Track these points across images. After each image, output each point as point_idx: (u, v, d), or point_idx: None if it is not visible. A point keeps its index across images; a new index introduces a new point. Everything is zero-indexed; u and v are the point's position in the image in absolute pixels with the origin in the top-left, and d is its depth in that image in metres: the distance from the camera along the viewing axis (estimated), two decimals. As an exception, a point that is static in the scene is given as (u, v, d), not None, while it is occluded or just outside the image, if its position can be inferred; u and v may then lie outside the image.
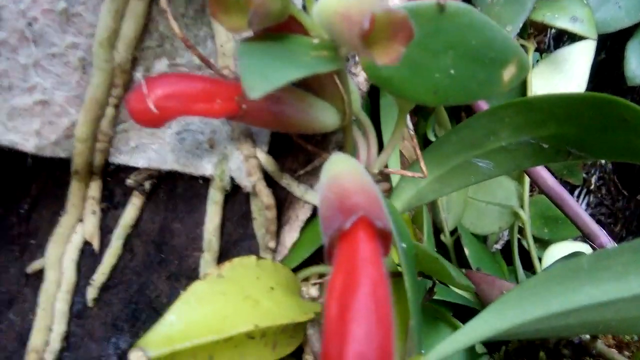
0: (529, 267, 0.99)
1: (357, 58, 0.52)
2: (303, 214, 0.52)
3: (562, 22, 0.74)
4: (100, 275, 0.50)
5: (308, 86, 0.47)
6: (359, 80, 0.53)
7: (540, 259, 0.89)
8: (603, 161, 1.09)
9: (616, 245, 0.66)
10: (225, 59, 0.48)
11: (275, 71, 0.32)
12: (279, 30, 0.42)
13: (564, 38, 0.98)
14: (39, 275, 0.50)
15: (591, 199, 1.10)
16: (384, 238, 0.35)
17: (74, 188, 0.49)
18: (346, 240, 0.34)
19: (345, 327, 0.30)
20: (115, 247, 0.50)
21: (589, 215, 1.09)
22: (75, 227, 0.50)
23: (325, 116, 0.46)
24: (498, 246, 1.04)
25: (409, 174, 0.54)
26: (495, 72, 0.44)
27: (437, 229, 0.92)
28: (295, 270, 0.52)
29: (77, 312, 0.50)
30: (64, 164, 0.48)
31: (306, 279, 0.54)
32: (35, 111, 0.45)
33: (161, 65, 0.47)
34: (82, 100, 0.45)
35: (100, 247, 0.50)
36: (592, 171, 1.09)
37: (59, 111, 0.45)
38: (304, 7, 0.43)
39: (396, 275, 0.47)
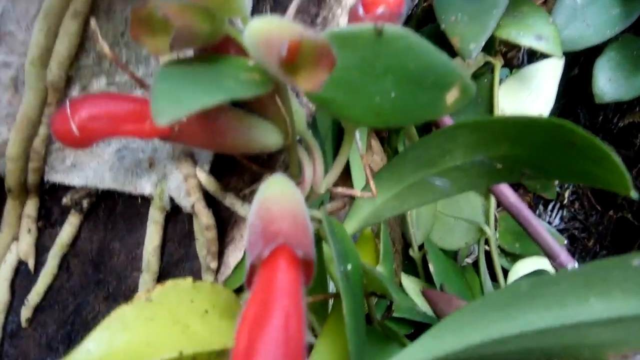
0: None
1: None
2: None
3: (526, 40, 0.73)
4: (35, 295, 0.49)
5: (250, 106, 0.46)
6: (303, 99, 0.52)
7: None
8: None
9: (576, 264, 0.66)
10: (167, 75, 0.47)
11: (190, 96, 0.31)
12: (218, 49, 0.42)
13: (538, 54, 0.98)
14: (-27, 295, 0.48)
15: (564, 213, 1.09)
16: (307, 267, 0.34)
17: (9, 206, 0.47)
18: (264, 268, 0.33)
19: (250, 361, 0.29)
20: (51, 267, 0.49)
21: (559, 230, 1.08)
22: (10, 246, 0.48)
23: (266, 137, 0.45)
24: (469, 260, 1.03)
25: (358, 193, 0.53)
26: (437, 95, 0.43)
27: (407, 244, 0.92)
28: (239, 291, 0.51)
29: (11, 332, 0.49)
30: (-1, 182, 0.47)
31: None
32: (-34, 128, 0.44)
33: (100, 84, 0.46)
34: (14, 119, 0.44)
35: (35, 267, 0.49)
36: (566, 185, 1.09)
37: (-12, 129, 0.44)
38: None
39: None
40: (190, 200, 0.47)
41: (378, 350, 0.59)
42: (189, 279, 0.46)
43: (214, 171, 0.49)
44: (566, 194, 1.09)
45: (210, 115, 0.42)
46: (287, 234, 0.34)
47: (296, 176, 0.49)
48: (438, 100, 0.44)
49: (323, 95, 0.44)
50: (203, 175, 0.47)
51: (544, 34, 0.74)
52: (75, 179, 0.47)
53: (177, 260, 0.50)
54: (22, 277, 0.49)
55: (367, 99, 0.43)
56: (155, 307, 0.42)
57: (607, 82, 0.82)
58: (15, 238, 0.48)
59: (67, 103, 0.38)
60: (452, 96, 0.45)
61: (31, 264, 0.49)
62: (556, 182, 1.06)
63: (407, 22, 0.93)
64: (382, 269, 0.66)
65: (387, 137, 0.96)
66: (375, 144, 0.92)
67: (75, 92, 0.46)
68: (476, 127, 0.53)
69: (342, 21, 0.53)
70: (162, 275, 0.50)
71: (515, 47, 0.97)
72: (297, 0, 0.44)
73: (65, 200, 0.48)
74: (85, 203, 0.48)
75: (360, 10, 0.42)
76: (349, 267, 0.46)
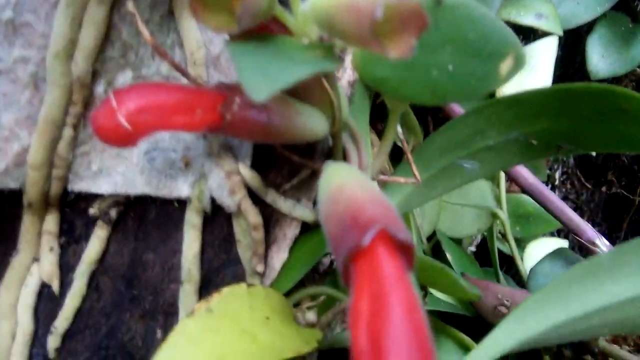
0: (506, 269, 0.98)
1: (342, 59, 0.49)
2: (291, 232, 0.47)
3: (527, 19, 0.73)
4: (63, 320, 0.43)
5: (293, 92, 0.42)
6: (342, 83, 0.49)
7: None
8: (565, 157, 1.10)
9: (604, 239, 0.65)
10: (196, 68, 0.43)
11: (278, 71, 0.28)
12: (259, 32, 0.38)
13: (530, 36, 0.98)
14: (-10, 327, 0.42)
15: (556, 193, 1.10)
16: (405, 253, 0.31)
17: (27, 223, 0.42)
18: (365, 258, 0.30)
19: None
20: (79, 287, 0.43)
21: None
22: (31, 267, 0.43)
23: (314, 123, 0.42)
24: (472, 248, 1.03)
25: (403, 180, 0.51)
26: (494, 66, 0.41)
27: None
28: (286, 294, 0.47)
29: (39, 366, 0.43)
30: (13, 197, 0.41)
31: (297, 303, 0.49)
32: (-23, 136, 0.38)
33: (125, 78, 0.42)
34: (35, 122, 0.39)
35: (61, 289, 0.44)
36: (555, 167, 1.10)
37: (7, 135, 0.39)
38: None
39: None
40: (236, 199, 0.43)
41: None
42: (243, 285, 0.42)
43: (253, 166, 0.45)
44: (556, 175, 1.10)
45: (260, 102, 0.39)
46: (383, 219, 0.31)
47: (341, 165, 0.46)
48: (494, 71, 0.42)
49: (377, 73, 0.42)
50: (246, 171, 0.43)
51: (544, 13, 0.74)
52: (103, 186, 0.42)
53: (218, 267, 0.46)
54: (46, 302, 0.44)
55: (424, 74, 0.41)
56: (218, 317, 0.38)
57: (600, 59, 0.83)
58: (36, 258, 0.43)
59: (112, 95, 0.34)
60: (506, 66, 0.43)
61: (56, 286, 0.43)
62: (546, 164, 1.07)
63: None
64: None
65: (382, 130, 0.94)
66: (374, 137, 0.89)
67: (100, 88, 0.41)
68: (514, 101, 0.51)
69: None
70: (203, 285, 0.46)
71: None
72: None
73: (93, 210, 0.43)
74: (113, 213, 0.44)
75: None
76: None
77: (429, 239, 0.87)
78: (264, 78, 0.26)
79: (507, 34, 0.41)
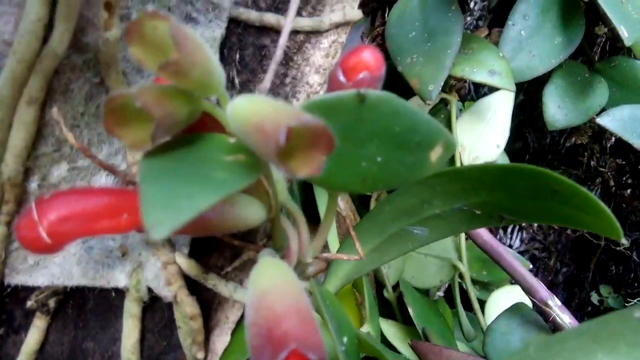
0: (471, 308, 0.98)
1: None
2: (233, 314, 0.47)
3: (480, 76, 0.74)
4: (2, 414, 0.43)
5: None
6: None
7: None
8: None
9: (556, 299, 0.66)
10: (135, 154, 0.44)
11: (184, 200, 0.28)
12: (192, 129, 0.39)
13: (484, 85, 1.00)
14: None
15: (524, 235, 1.11)
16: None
17: (-37, 317, 0.42)
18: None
19: None
20: (18, 379, 0.44)
21: (520, 252, 1.10)
22: (-32, 361, 0.43)
23: (250, 213, 0.43)
24: (440, 293, 1.03)
25: (345, 257, 0.51)
26: (423, 155, 0.42)
27: (380, 284, 0.90)
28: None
29: None
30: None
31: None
32: None
33: (60, 171, 0.42)
34: (-35, 221, 0.39)
35: (-1, 381, 0.44)
36: (522, 208, 1.11)
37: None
38: (218, 102, 0.40)
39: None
40: (172, 290, 0.43)
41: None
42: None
43: (192, 252, 0.45)
44: (524, 216, 1.11)
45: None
46: (297, 335, 0.31)
47: (280, 247, 0.47)
48: (423, 160, 0.43)
49: (307, 166, 0.42)
50: (183, 260, 0.44)
51: (497, 69, 0.76)
52: (39, 279, 0.42)
53: (158, 354, 0.46)
54: (-17, 395, 0.44)
55: (353, 165, 0.42)
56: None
57: (557, 110, 0.85)
58: (-27, 351, 0.43)
59: (33, 206, 0.34)
60: (436, 153, 0.44)
61: (-7, 378, 0.43)
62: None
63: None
64: (370, 327, 0.64)
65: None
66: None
67: (34, 184, 0.41)
68: (455, 175, 0.52)
69: (311, 79, 0.51)
70: (144, 371, 0.46)
71: (463, 79, 0.99)
72: (272, 71, 0.42)
73: (30, 303, 0.43)
74: (52, 303, 0.44)
75: (341, 76, 0.40)
76: (345, 340, 0.44)
77: (395, 287, 0.88)
78: (164, 213, 0.27)
79: (433, 125, 0.41)
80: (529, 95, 1.03)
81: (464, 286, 0.90)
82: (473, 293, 0.80)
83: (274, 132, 0.29)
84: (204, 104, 0.36)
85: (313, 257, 0.48)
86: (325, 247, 0.61)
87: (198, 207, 0.28)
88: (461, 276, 0.86)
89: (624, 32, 0.72)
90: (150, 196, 0.28)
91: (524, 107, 1.04)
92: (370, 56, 0.40)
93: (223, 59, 0.48)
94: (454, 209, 0.55)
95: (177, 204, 0.28)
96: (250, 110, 0.32)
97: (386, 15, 0.88)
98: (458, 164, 0.82)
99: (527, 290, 0.67)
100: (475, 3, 1.08)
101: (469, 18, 1.09)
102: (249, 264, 0.48)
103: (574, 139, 1.03)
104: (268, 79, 0.41)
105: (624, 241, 0.42)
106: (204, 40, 0.47)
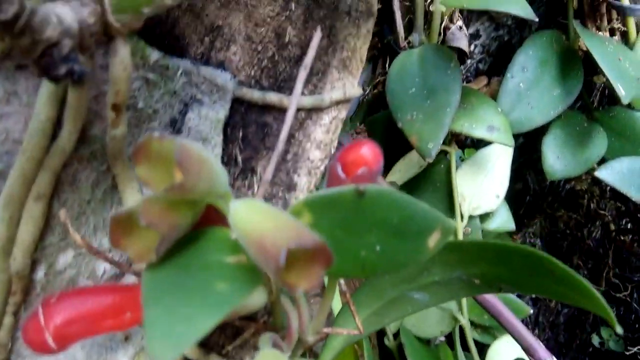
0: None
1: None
2: (234, 392, 0.48)
3: (479, 132, 0.76)
4: None
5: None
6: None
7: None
8: (532, 239, 1.12)
9: (555, 358, 0.67)
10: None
11: (184, 322, 0.29)
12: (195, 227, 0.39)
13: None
14: None
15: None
16: None
17: (-30, 401, 0.43)
18: None
19: None
20: None
21: (519, 295, 1.10)
22: None
23: (252, 299, 0.44)
24: (442, 338, 1.04)
25: (344, 331, 0.52)
26: (421, 242, 0.43)
27: (381, 332, 0.91)
28: None
29: None
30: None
31: None
32: None
33: (66, 258, 0.43)
34: (-27, 313, 0.40)
35: None
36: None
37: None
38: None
39: None
40: (175, 373, 0.44)
41: None
42: None
43: (195, 331, 0.46)
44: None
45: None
46: None
47: (281, 326, 0.48)
48: (421, 246, 0.44)
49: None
50: (186, 343, 0.44)
51: (495, 125, 0.77)
52: (44, 364, 0.43)
53: None
54: None
55: (352, 254, 0.43)
56: None
57: (556, 160, 0.85)
58: None
59: (40, 310, 0.35)
60: (434, 239, 0.45)
61: None
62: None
63: (358, 108, 0.94)
64: (371, 390, 0.64)
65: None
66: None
67: (41, 272, 0.42)
68: (454, 247, 0.54)
69: (312, 155, 0.52)
70: None
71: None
72: (273, 163, 0.43)
73: (35, 387, 0.44)
74: (56, 385, 0.45)
75: (340, 171, 0.41)
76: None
77: (397, 334, 0.88)
78: (168, 343, 0.28)
79: (431, 214, 0.42)
80: (529, 138, 1.04)
81: (465, 335, 0.90)
82: (474, 348, 0.81)
83: (273, 252, 0.30)
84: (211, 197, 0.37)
85: (313, 335, 0.49)
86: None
87: (198, 332, 0.29)
88: (461, 328, 0.86)
89: (620, 90, 0.74)
90: (152, 323, 0.29)
91: (524, 150, 1.05)
92: (368, 152, 0.41)
93: (226, 137, 0.50)
94: (453, 277, 0.56)
95: (178, 331, 0.29)
96: (249, 224, 0.33)
97: (387, 66, 0.89)
98: (458, 215, 0.83)
99: (526, 350, 0.67)
100: (476, 46, 1.09)
101: (469, 61, 1.10)
102: (250, 342, 0.49)
103: (573, 182, 1.04)
104: (270, 170, 0.42)
105: (619, 329, 0.42)
106: (209, 121, 0.48)
